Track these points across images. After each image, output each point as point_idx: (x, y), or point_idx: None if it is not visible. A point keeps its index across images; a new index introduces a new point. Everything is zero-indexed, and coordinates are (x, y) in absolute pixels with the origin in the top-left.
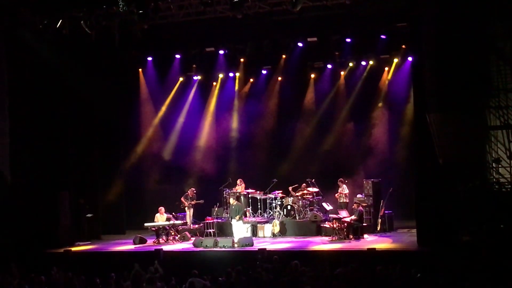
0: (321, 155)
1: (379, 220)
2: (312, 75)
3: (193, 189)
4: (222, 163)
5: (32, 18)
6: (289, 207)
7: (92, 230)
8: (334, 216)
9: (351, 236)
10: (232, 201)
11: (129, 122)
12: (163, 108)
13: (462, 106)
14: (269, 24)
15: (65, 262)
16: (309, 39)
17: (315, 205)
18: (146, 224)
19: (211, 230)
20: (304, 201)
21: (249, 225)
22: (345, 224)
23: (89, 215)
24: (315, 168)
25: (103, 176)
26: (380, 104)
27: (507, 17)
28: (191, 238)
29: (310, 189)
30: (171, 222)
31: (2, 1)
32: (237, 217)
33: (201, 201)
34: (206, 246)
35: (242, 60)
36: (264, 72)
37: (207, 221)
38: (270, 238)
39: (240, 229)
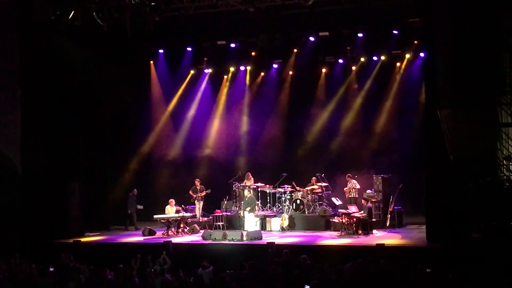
0: (332, 149)
1: (389, 216)
2: (324, 70)
3: (198, 180)
4: (232, 157)
5: (45, 8)
6: (298, 201)
7: (102, 221)
8: (343, 211)
9: (360, 232)
10: (246, 193)
11: (140, 113)
12: (174, 101)
13: (473, 102)
14: (281, 18)
15: (75, 252)
16: (320, 34)
17: (324, 199)
18: (155, 216)
19: (220, 223)
20: (313, 195)
21: (258, 218)
22: (354, 219)
23: (140, 206)
24: (325, 162)
25: (113, 167)
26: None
27: None
28: (200, 231)
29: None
30: (181, 214)
31: None
32: (248, 209)
33: (208, 191)
34: (215, 239)
35: (253, 53)
36: (275, 66)
37: (216, 214)
38: (278, 232)
39: (251, 222)
